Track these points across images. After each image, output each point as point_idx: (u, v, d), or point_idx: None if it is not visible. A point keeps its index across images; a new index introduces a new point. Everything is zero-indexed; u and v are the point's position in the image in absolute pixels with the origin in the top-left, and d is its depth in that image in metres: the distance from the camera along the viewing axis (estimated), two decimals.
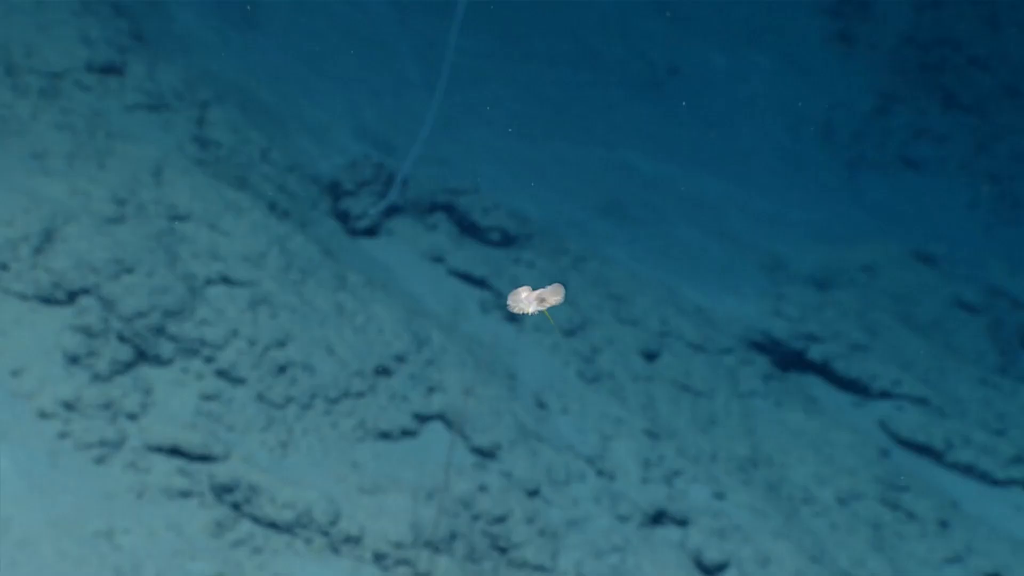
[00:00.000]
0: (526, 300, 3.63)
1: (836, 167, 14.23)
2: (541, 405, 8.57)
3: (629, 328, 9.69)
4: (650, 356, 9.55)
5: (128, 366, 7.25)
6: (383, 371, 7.92)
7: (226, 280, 7.76)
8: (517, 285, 9.58)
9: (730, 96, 14.47)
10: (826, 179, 13.97)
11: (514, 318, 9.26)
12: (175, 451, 7.07)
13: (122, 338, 7.28)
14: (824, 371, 10.37)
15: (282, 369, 7.61)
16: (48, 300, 7.28)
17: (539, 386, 8.71)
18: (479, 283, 9.35)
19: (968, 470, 9.93)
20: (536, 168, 11.26)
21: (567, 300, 9.74)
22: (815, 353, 10.36)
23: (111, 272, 7.40)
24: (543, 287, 3.65)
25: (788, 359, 10.33)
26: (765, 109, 14.50)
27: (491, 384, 8.28)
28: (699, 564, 8.08)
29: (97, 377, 7.11)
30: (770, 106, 14.54)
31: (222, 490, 6.99)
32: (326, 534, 7.06)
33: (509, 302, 3.63)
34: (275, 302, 7.78)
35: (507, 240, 9.85)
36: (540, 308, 3.62)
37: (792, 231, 12.36)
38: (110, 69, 8.76)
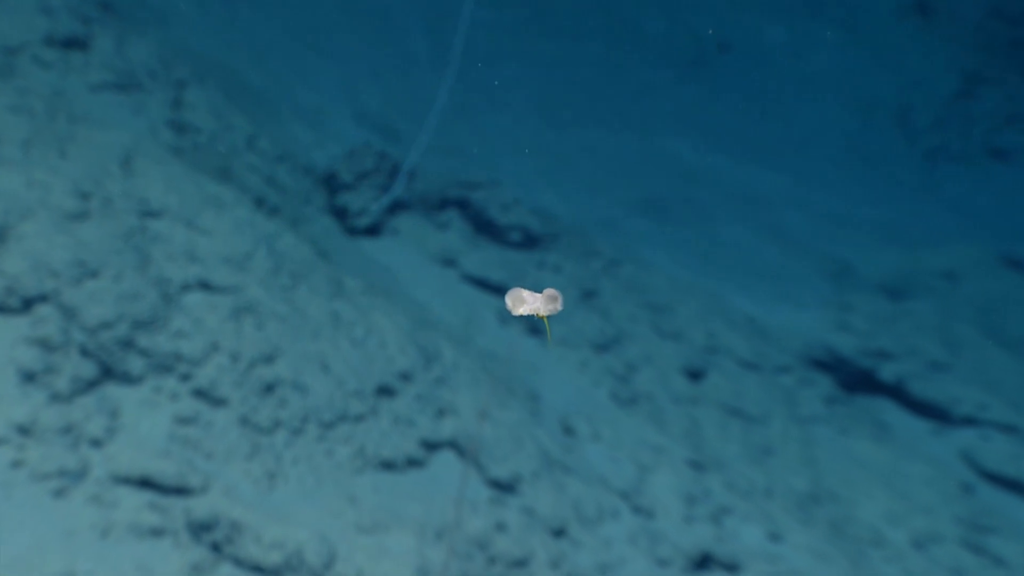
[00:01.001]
0: (523, 306, 3.68)
1: (912, 158, 14.18)
2: (568, 431, 8.55)
3: (670, 342, 9.66)
4: (694, 375, 9.52)
5: (92, 384, 7.25)
6: (386, 391, 7.90)
7: (205, 285, 7.76)
8: (539, 291, 9.60)
9: (789, 76, 14.43)
10: (900, 172, 13.91)
11: (537, 330, 9.26)
12: (145, 483, 7.06)
13: (85, 352, 7.29)
14: (897, 393, 10.31)
15: (269, 388, 7.60)
16: (0, 308, 7.30)
17: (566, 409, 8.69)
18: (496, 290, 9.35)
19: None
20: (563, 158, 11.26)
21: (597, 311, 9.76)
22: (887, 372, 10.30)
23: (73, 276, 7.41)
24: (545, 291, 3.67)
25: (855, 379, 10.27)
26: (829, 91, 14.46)
27: (510, 406, 8.25)
28: None
29: (56, 397, 7.12)
30: (835, 88, 14.50)
31: (200, 528, 6.98)
32: None
33: (507, 300, 3.68)
34: (261, 311, 7.79)
35: (529, 241, 9.84)
36: (538, 313, 3.67)
37: (860, 231, 12.31)
38: (73, 43, 8.79)
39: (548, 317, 3.73)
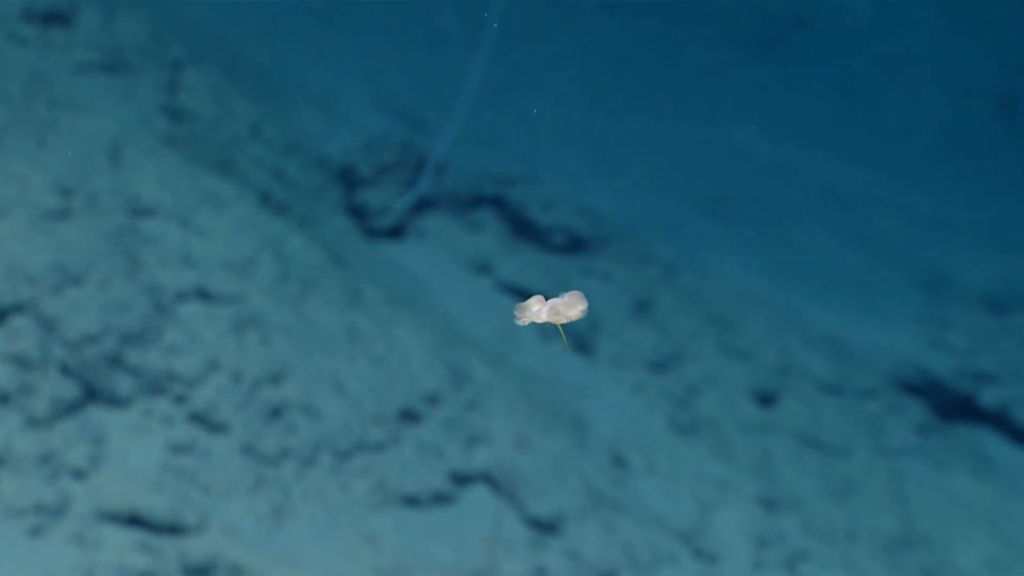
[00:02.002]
0: (537, 313, 3.70)
1: (1017, 152, 14.10)
2: (619, 463, 8.53)
3: (738, 362, 9.64)
4: (765, 399, 9.49)
5: (74, 407, 7.29)
6: (409, 416, 7.92)
7: (203, 294, 7.80)
8: (588, 301, 9.59)
9: (876, 57, 14.39)
10: (1004, 168, 13.84)
11: (584, 347, 9.25)
12: (134, 520, 7.09)
13: (66, 370, 7.33)
14: (1001, 421, 10.24)
15: (276, 412, 7.62)
16: None
17: (617, 437, 8.68)
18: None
19: None
20: (614, 150, 11.25)
21: (653, 325, 9.74)
22: (989, 397, 10.24)
23: (52, 283, 7.46)
24: (559, 296, 3.70)
25: (952, 405, 10.22)
26: (922, 75, 14.41)
27: (553, 434, 8.25)
28: None
29: (33, 422, 7.16)
30: (929, 71, 14.45)
31: (196, 572, 7.00)
32: None
33: (516, 315, 3.71)
34: (267, 323, 7.81)
35: (575, 245, 9.84)
36: (554, 322, 3.69)
37: (958, 236, 12.25)
38: (54, 18, 8.86)
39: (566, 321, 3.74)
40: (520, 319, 3.69)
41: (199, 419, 7.46)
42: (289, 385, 7.70)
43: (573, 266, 9.69)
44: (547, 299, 3.72)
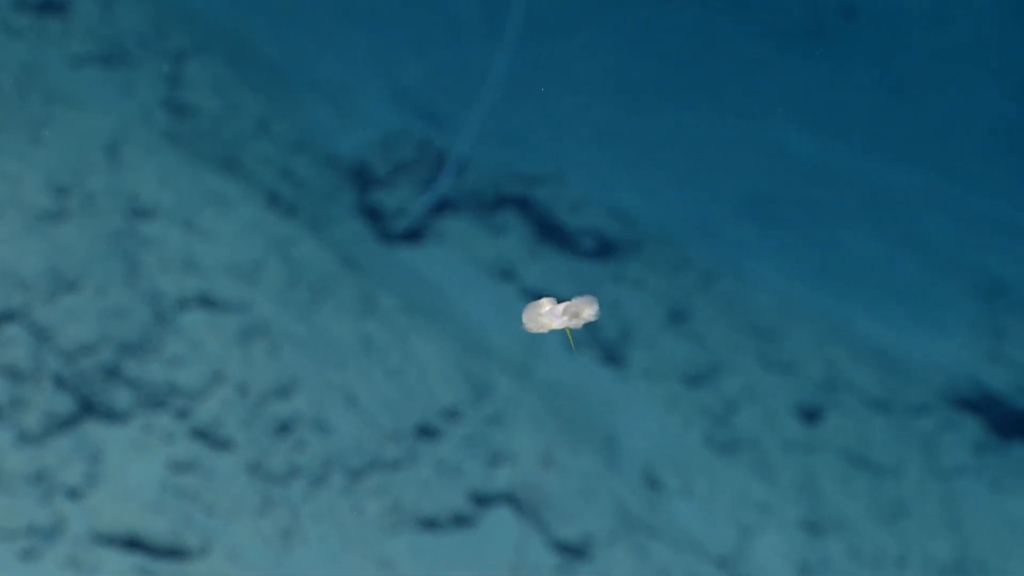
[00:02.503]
0: (549, 315, 3.70)
1: None
2: (652, 483, 8.52)
3: (779, 375, 9.62)
4: (810, 415, 9.46)
5: (69, 422, 7.31)
6: (427, 432, 7.92)
7: (207, 301, 7.81)
8: (617, 310, 9.59)
9: (928, 50, 14.36)
10: None
11: (614, 359, 9.24)
12: (133, 542, 7.10)
13: (61, 382, 7.34)
14: None
15: (284, 428, 7.63)
16: None
17: (650, 456, 8.67)
18: None
19: None
20: (647, 148, 11.24)
21: (689, 335, 9.72)
22: None
23: (46, 289, 7.48)
24: (574, 299, 3.71)
25: (1010, 422, 10.17)
26: (979, 69, 14.37)
27: (581, 452, 8.25)
28: None
29: (25, 438, 7.18)
30: (986, 65, 14.41)
31: None
32: None
33: (525, 319, 3.72)
34: (275, 333, 7.82)
35: (605, 249, 9.83)
36: (567, 326, 3.69)
37: (1017, 241, 12.21)
38: (49, 7, 8.88)
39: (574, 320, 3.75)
40: (529, 325, 3.69)
41: (202, 435, 7.47)
42: (298, 399, 7.71)
43: (603, 272, 9.68)
44: (558, 302, 3.72)
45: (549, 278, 9.43)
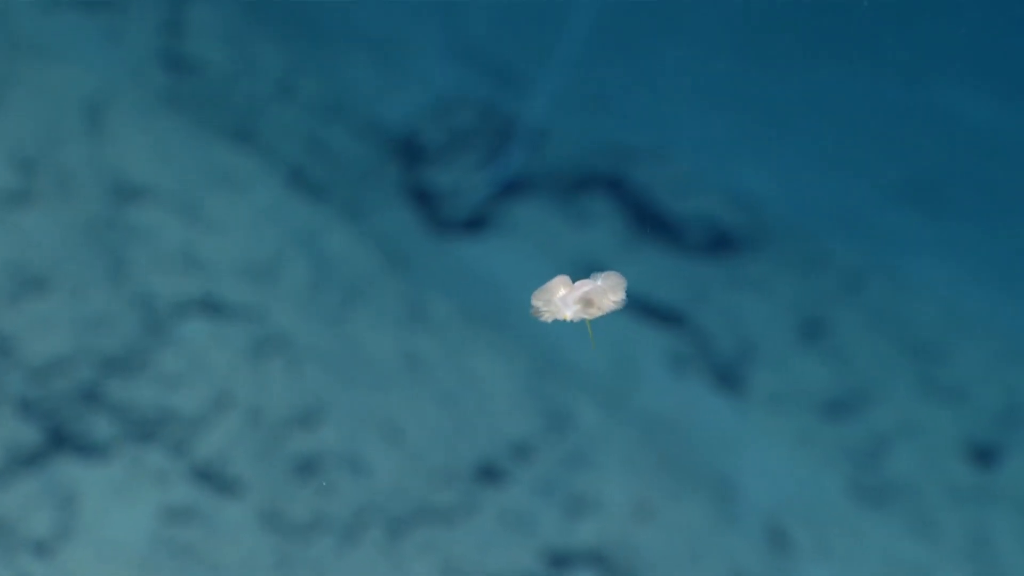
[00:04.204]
0: (564, 301, 3.72)
1: None
2: (779, 540, 8.50)
3: (945, 405, 9.57)
4: (983, 456, 9.41)
5: (36, 458, 7.36)
6: (489, 473, 7.92)
7: (211, 307, 7.85)
8: (735, 321, 9.56)
9: None
10: None
11: (731, 383, 9.21)
12: None
13: (26, 408, 7.40)
14: None
15: (308, 467, 7.66)
16: None
17: (776, 506, 8.65)
18: (667, 318, 9.33)
19: None
20: (776, 114, 11.21)
21: (828, 353, 9.68)
22: None
23: (8, 291, 7.54)
24: (597, 280, 3.73)
25: None
26: None
27: (687, 500, 8.24)
28: None
29: None
30: None
31: None
32: None
33: (535, 302, 3.74)
34: (296, 346, 7.86)
35: (720, 242, 9.82)
36: (585, 315, 3.71)
37: None
38: None
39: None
40: (541, 311, 3.70)
41: (204, 475, 7.51)
42: (326, 430, 7.73)
43: (717, 272, 9.66)
44: (564, 284, 3.73)
45: (647, 280, 9.42)
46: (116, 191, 8.08)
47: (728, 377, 9.31)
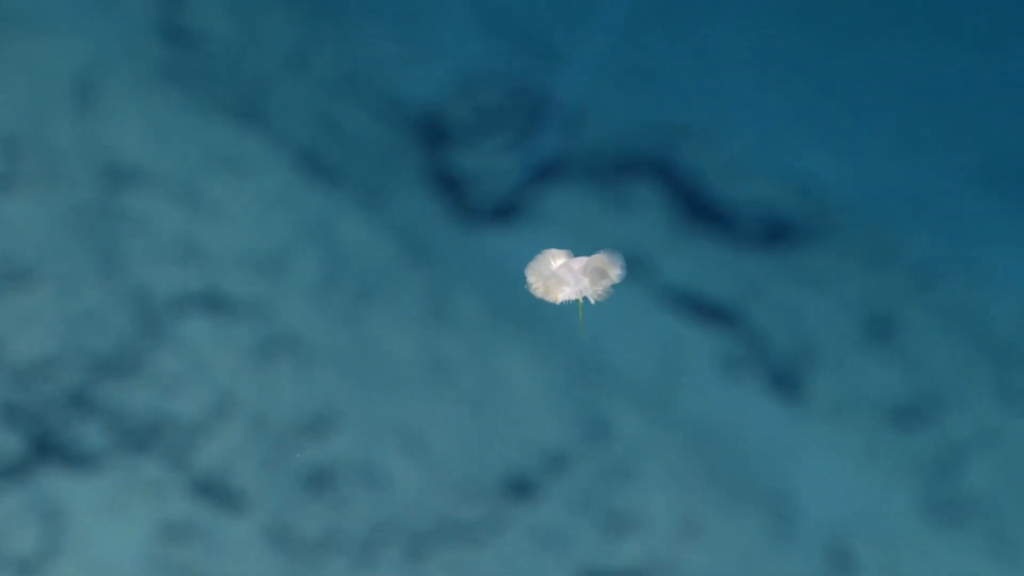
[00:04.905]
0: (561, 274, 3.76)
1: None
2: (842, 560, 8.51)
3: None
4: None
5: (19, 470, 7.38)
6: (520, 487, 7.93)
7: (213, 303, 7.87)
8: (794, 319, 9.55)
9: None
10: None
11: (789, 387, 9.20)
12: None
13: (10, 413, 7.42)
14: None
15: (319, 479, 7.67)
16: None
17: (838, 523, 8.64)
18: (718, 316, 9.33)
19: None
20: (840, 91, 11.19)
21: (897, 355, 9.66)
22: None
23: None
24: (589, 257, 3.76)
25: None
26: None
27: (739, 517, 8.24)
28: None
29: None
30: None
31: None
32: None
33: (530, 277, 3.77)
34: (307, 346, 7.88)
35: (776, 231, 9.82)
36: (580, 294, 3.75)
37: None
38: None
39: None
40: (538, 289, 3.74)
41: (205, 488, 7.53)
42: (339, 439, 7.76)
43: (773, 265, 9.65)
44: (563, 261, 3.77)
45: (696, 273, 9.42)
46: (109, 175, 8.11)
47: (785, 381, 9.30)
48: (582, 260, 3.69)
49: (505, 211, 9.39)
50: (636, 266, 9.41)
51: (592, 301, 3.72)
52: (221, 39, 9.12)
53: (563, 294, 3.68)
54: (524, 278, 8.56)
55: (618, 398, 8.43)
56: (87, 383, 7.56)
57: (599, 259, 3.69)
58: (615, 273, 3.69)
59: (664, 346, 9.15)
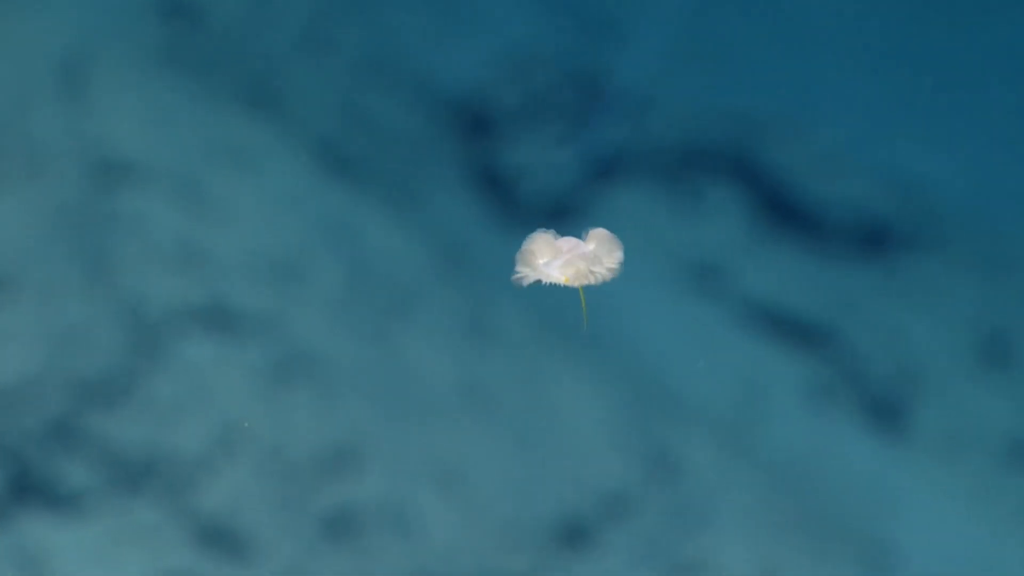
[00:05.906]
0: (547, 266, 3.79)
1: None
2: None
3: None
4: None
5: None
6: (575, 532, 7.92)
7: (217, 316, 7.87)
8: (895, 340, 9.50)
9: None
10: None
11: (889, 419, 9.16)
12: None
13: None
14: None
15: (340, 522, 7.66)
16: None
17: (946, 574, 8.59)
18: (805, 336, 9.30)
19: None
20: (949, 78, 11.16)
21: (1012, 380, 9.60)
22: None
23: None
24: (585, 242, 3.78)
25: None
26: None
27: (830, 566, 8.22)
28: None
29: None
30: None
31: None
32: None
33: (519, 265, 3.80)
34: (325, 368, 7.87)
35: (876, 239, 9.79)
36: (576, 283, 3.78)
37: None
38: None
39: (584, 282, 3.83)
40: (522, 275, 3.76)
41: (208, 534, 7.53)
42: (365, 476, 7.75)
43: (869, 277, 9.63)
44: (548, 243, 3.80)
45: (779, 284, 9.41)
46: (99, 170, 8.13)
47: (884, 413, 9.26)
48: (572, 241, 3.70)
49: (558, 214, 9.39)
50: (710, 278, 9.40)
51: (591, 282, 3.71)
52: (227, 15, 9.14)
53: (551, 279, 3.70)
54: (578, 293, 8.52)
55: (689, 430, 8.41)
56: (72, 411, 7.56)
57: (594, 247, 3.69)
58: (614, 260, 3.68)
59: (743, 370, 9.13)
